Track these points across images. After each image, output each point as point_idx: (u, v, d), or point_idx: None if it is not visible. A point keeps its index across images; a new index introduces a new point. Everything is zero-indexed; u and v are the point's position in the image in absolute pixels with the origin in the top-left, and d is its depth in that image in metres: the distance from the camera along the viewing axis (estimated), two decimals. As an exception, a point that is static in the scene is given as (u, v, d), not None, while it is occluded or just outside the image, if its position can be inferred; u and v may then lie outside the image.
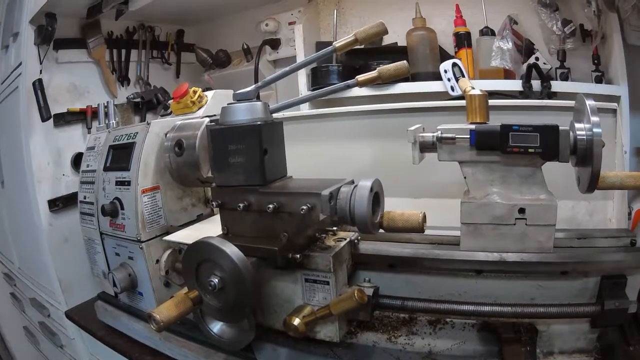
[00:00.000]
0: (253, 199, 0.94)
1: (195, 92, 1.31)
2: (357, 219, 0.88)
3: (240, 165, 0.95)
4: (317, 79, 1.68)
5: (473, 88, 1.01)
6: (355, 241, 1.01)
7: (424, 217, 0.90)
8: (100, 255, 1.28)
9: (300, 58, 1.72)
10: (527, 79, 1.58)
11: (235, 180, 0.96)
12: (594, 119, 0.90)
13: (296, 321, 0.95)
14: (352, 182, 0.93)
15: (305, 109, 1.64)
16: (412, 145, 0.98)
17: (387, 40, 1.85)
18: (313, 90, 1.66)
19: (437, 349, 1.03)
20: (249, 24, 2.09)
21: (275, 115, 1.39)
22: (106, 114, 1.38)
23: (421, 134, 0.98)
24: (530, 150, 0.94)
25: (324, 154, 1.46)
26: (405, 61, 0.98)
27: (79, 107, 1.91)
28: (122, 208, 1.17)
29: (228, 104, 0.98)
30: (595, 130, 0.89)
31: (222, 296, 0.87)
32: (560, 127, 0.94)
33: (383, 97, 1.56)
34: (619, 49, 1.53)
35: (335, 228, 1.02)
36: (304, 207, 0.88)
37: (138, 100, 2.03)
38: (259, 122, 0.94)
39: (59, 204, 1.84)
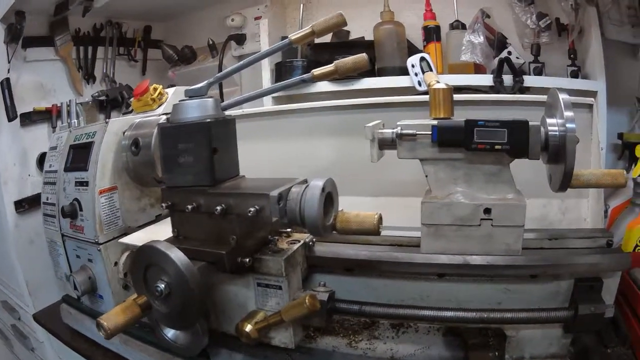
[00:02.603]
0: (202, 200, 0.84)
1: (155, 89, 1.18)
2: (308, 221, 0.78)
3: (189, 165, 0.85)
4: (281, 74, 1.58)
5: (438, 82, 0.87)
6: (310, 243, 0.88)
7: (380, 218, 0.78)
8: (63, 257, 1.16)
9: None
10: (498, 73, 1.45)
11: (185, 181, 0.86)
12: (568, 113, 0.79)
13: (248, 327, 0.85)
14: (305, 181, 0.79)
15: (268, 105, 1.49)
16: (370, 143, 0.84)
17: (354, 34, 1.74)
18: None
19: (400, 354, 0.92)
20: (216, 20, 1.95)
21: (236, 112, 1.25)
22: (68, 113, 1.25)
23: (380, 131, 0.85)
24: (497, 147, 0.83)
25: (286, 151, 1.30)
26: (364, 54, 0.85)
27: (45, 106, 1.78)
28: (81, 209, 1.06)
29: (179, 101, 0.88)
30: (568, 125, 0.79)
31: (170, 302, 0.78)
32: (531, 123, 0.83)
33: (348, 92, 1.42)
34: (597, 43, 1.41)
35: (289, 230, 0.89)
36: (252, 209, 0.77)
37: (103, 98, 1.88)
38: (208, 120, 0.84)
39: (25, 205, 1.71)
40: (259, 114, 1.34)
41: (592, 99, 1.14)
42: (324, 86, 1.49)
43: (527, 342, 0.90)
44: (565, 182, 0.81)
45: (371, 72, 1.51)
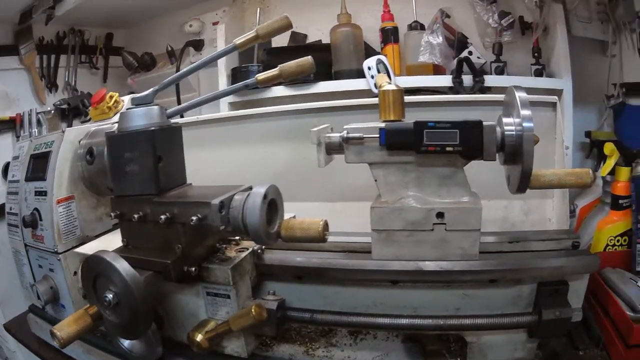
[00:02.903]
0: (148, 210, 0.79)
1: (111, 97, 1.13)
2: (250, 229, 0.73)
3: (135, 174, 0.80)
4: (237, 79, 1.49)
5: (389, 83, 0.80)
6: (259, 251, 0.82)
7: (325, 225, 0.73)
8: (27, 267, 1.12)
9: (221, 60, 1.51)
10: (457, 73, 1.36)
11: (131, 190, 0.81)
12: (525, 112, 0.73)
13: (199, 337, 0.81)
14: (251, 188, 0.73)
15: (225, 111, 1.42)
16: (316, 147, 0.77)
17: (312, 38, 1.66)
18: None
19: (358, 361, 0.86)
20: (175, 26, 1.87)
21: (192, 118, 1.19)
22: (30, 122, 1.20)
23: (327, 135, 0.78)
24: (448, 148, 0.77)
25: (243, 157, 1.23)
26: (309, 57, 0.79)
27: (9, 116, 1.71)
28: (41, 219, 1.01)
29: (126, 109, 0.83)
30: (525, 124, 0.73)
31: (119, 312, 0.73)
32: (485, 123, 0.77)
33: (305, 96, 1.34)
34: (563, 40, 1.34)
35: (238, 237, 0.82)
36: (194, 218, 0.73)
37: (64, 107, 1.80)
38: (152, 128, 0.79)
39: (-9, 215, 1.61)
40: (215, 120, 1.26)
41: (555, 97, 1.06)
42: (280, 91, 1.42)
43: (490, 348, 0.85)
44: (523, 183, 0.75)
45: (328, 76, 1.45)
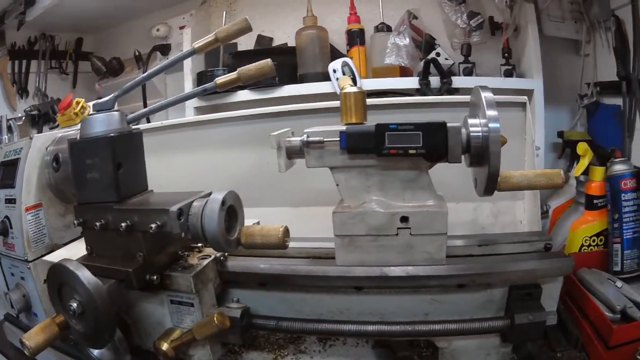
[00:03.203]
0: (109, 217, 0.74)
1: (78, 103, 1.08)
2: (209, 236, 0.69)
3: (96, 181, 0.75)
4: (202, 83, 1.37)
5: (352, 86, 0.75)
6: (222, 258, 0.76)
7: (286, 231, 0.70)
8: (0, 275, 1.06)
9: (187, 64, 1.44)
10: (424, 75, 1.29)
11: (93, 197, 0.76)
12: (491, 112, 0.69)
13: (164, 346, 0.77)
14: (210, 195, 0.68)
15: (190, 116, 1.37)
16: (277, 152, 0.72)
17: (278, 41, 1.58)
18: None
19: (328, 368, 0.82)
20: (143, 30, 1.79)
21: (156, 124, 1.13)
22: (0, 129, 1.15)
23: (288, 139, 0.73)
24: (411, 151, 0.73)
25: (208, 162, 1.17)
26: (269, 60, 0.74)
27: None
28: (11, 227, 0.96)
29: (88, 115, 0.80)
30: (491, 125, 0.68)
31: (84, 321, 0.70)
32: (450, 124, 0.73)
33: (271, 100, 1.28)
34: (534, 40, 1.28)
35: (200, 245, 0.77)
36: (153, 225, 0.69)
37: (35, 113, 1.69)
38: (112, 134, 0.75)
39: (-35, 223, 1.54)
40: (180, 125, 1.20)
41: (525, 97, 1.01)
42: (245, 95, 1.37)
43: (462, 353, 0.81)
44: (490, 185, 0.70)
45: (293, 79, 1.39)
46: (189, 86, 1.46)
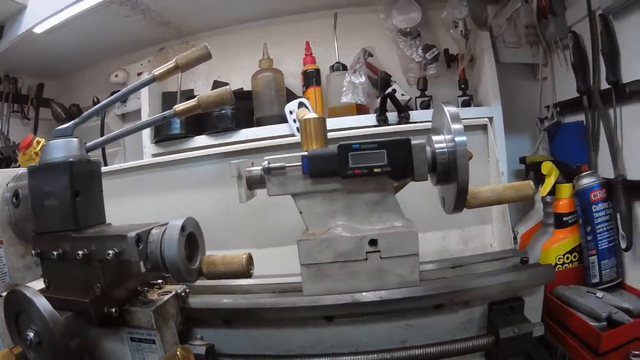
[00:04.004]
0: (67, 247, 0.64)
1: (38, 142, 1.00)
2: (169, 264, 0.59)
3: (54, 208, 0.66)
4: (160, 129, 1.31)
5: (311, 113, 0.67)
6: (183, 294, 0.66)
7: (249, 258, 0.62)
8: (-36, 314, 0.92)
9: (145, 110, 1.35)
10: (381, 111, 1.18)
11: (51, 226, 0.66)
12: (456, 126, 0.62)
13: None
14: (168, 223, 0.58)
15: (148, 158, 1.29)
16: (237, 181, 0.62)
17: (234, 86, 1.45)
18: (156, 141, 1.32)
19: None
20: (102, 77, 1.67)
21: (115, 167, 1.10)
22: None
23: (248, 168, 0.65)
24: (376, 170, 0.65)
25: (168, 204, 1.03)
26: (228, 87, 0.64)
27: None
28: (-28, 265, 0.82)
29: (48, 141, 0.70)
30: (457, 139, 0.61)
31: (41, 352, 0.60)
32: (414, 141, 0.66)
33: (228, 145, 1.14)
34: (491, 68, 1.22)
35: (160, 281, 0.73)
36: (110, 252, 0.60)
37: None
38: (71, 159, 0.66)
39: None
40: (139, 167, 1.09)
41: (486, 119, 0.93)
42: (203, 140, 1.27)
43: None
44: (459, 201, 0.63)
45: (250, 123, 1.30)
46: (146, 133, 1.36)
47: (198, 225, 0.63)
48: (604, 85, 1.02)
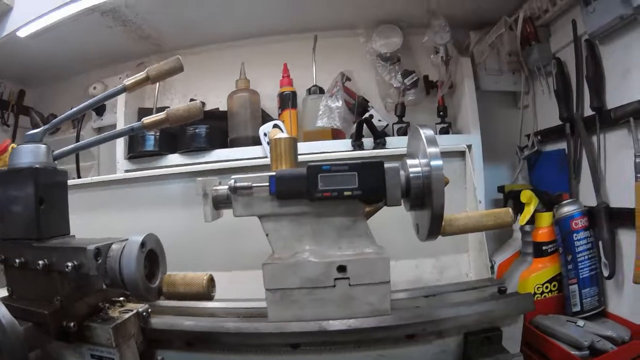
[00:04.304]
0: (29, 255, 0.61)
1: (14, 148, 0.93)
2: (127, 281, 0.56)
3: (18, 214, 0.62)
4: (134, 144, 1.25)
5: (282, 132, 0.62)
6: (145, 314, 0.61)
7: (211, 280, 0.59)
8: None
9: (120, 124, 1.29)
10: (356, 136, 1.11)
11: (15, 232, 0.63)
12: (432, 150, 0.58)
13: None
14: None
15: (121, 173, 1.23)
16: (202, 199, 0.57)
17: (210, 106, 1.39)
18: (129, 156, 1.24)
19: None
20: (81, 88, 1.56)
21: (86, 180, 1.05)
22: None
23: (215, 187, 0.66)
24: (346, 193, 0.60)
25: (136, 222, 0.97)
26: (198, 101, 0.61)
27: None
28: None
29: (17, 145, 0.67)
30: (433, 163, 0.57)
31: None
32: (387, 165, 0.61)
33: (201, 165, 1.05)
34: (471, 96, 1.17)
35: (122, 298, 0.67)
36: (69, 264, 0.56)
37: None
38: (37, 166, 0.63)
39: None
40: (110, 182, 1.03)
41: (464, 145, 0.88)
42: (176, 159, 1.21)
43: None
44: (434, 227, 0.58)
45: (224, 144, 1.24)
46: (120, 149, 1.29)
47: (159, 243, 0.59)
48: (587, 112, 0.99)
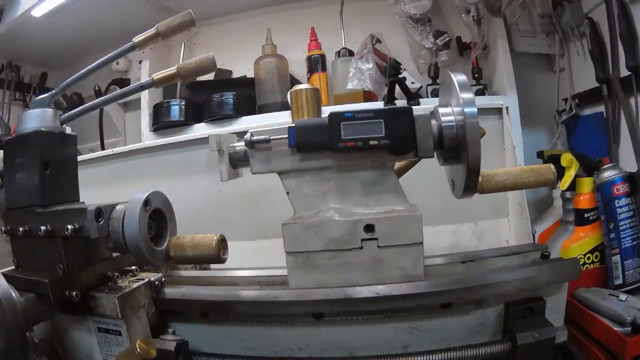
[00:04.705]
0: (32, 223, 0.55)
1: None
2: (129, 243, 0.49)
3: (23, 182, 0.57)
4: (158, 116, 1.13)
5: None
6: (157, 283, 0.52)
7: (221, 241, 0.53)
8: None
9: (145, 99, 1.16)
10: (389, 98, 0.99)
11: (20, 201, 0.57)
12: (465, 95, 0.48)
13: None
14: (142, 200, 0.47)
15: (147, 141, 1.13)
16: (218, 157, 0.49)
17: (237, 74, 1.29)
18: (154, 128, 1.13)
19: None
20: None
21: (107, 152, 0.98)
22: None
23: (232, 144, 0.59)
24: (372, 142, 0.50)
25: (162, 190, 0.90)
26: (210, 54, 0.52)
27: None
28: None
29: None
30: (467, 110, 0.47)
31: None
32: (418, 112, 0.52)
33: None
34: (506, 57, 1.03)
35: (134, 267, 0.60)
36: (69, 227, 0.50)
37: None
38: (42, 129, 0.56)
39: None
40: (134, 151, 0.96)
41: (501, 102, 0.76)
42: (202, 128, 1.07)
43: None
44: (470, 182, 0.49)
45: (253, 111, 1.11)
46: (145, 121, 1.18)
47: (167, 202, 0.52)
48: (624, 72, 0.90)
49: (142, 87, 0.58)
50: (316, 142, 0.51)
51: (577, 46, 1.06)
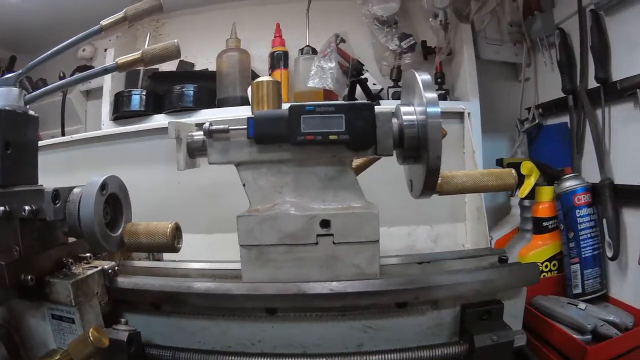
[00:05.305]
0: None
1: None
2: (84, 227, 0.46)
3: None
4: (119, 104, 1.06)
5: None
6: (110, 272, 0.47)
7: (175, 228, 0.48)
8: None
9: (107, 86, 1.06)
10: (349, 98, 0.93)
11: None
12: (428, 95, 0.44)
13: None
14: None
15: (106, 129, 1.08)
16: (175, 145, 0.44)
17: (200, 67, 1.21)
18: (114, 117, 1.05)
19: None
20: (70, 54, 1.30)
21: (66, 138, 0.93)
22: None
23: (190, 133, 0.55)
24: (331, 137, 0.47)
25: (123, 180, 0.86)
26: (176, 40, 0.46)
27: None
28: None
29: None
30: (430, 109, 0.44)
31: None
32: (378, 109, 0.48)
33: None
34: (470, 63, 0.98)
35: (89, 255, 0.55)
36: (26, 208, 0.46)
37: None
38: (7, 108, 0.51)
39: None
40: (94, 138, 0.90)
41: (463, 106, 0.73)
42: (161, 119, 1.00)
43: None
44: (430, 182, 0.46)
45: (212, 104, 1.09)
46: (106, 109, 1.09)
47: (124, 187, 0.49)
48: (592, 85, 0.86)
49: (106, 71, 0.55)
50: (275, 134, 0.48)
51: (545, 56, 1.01)
